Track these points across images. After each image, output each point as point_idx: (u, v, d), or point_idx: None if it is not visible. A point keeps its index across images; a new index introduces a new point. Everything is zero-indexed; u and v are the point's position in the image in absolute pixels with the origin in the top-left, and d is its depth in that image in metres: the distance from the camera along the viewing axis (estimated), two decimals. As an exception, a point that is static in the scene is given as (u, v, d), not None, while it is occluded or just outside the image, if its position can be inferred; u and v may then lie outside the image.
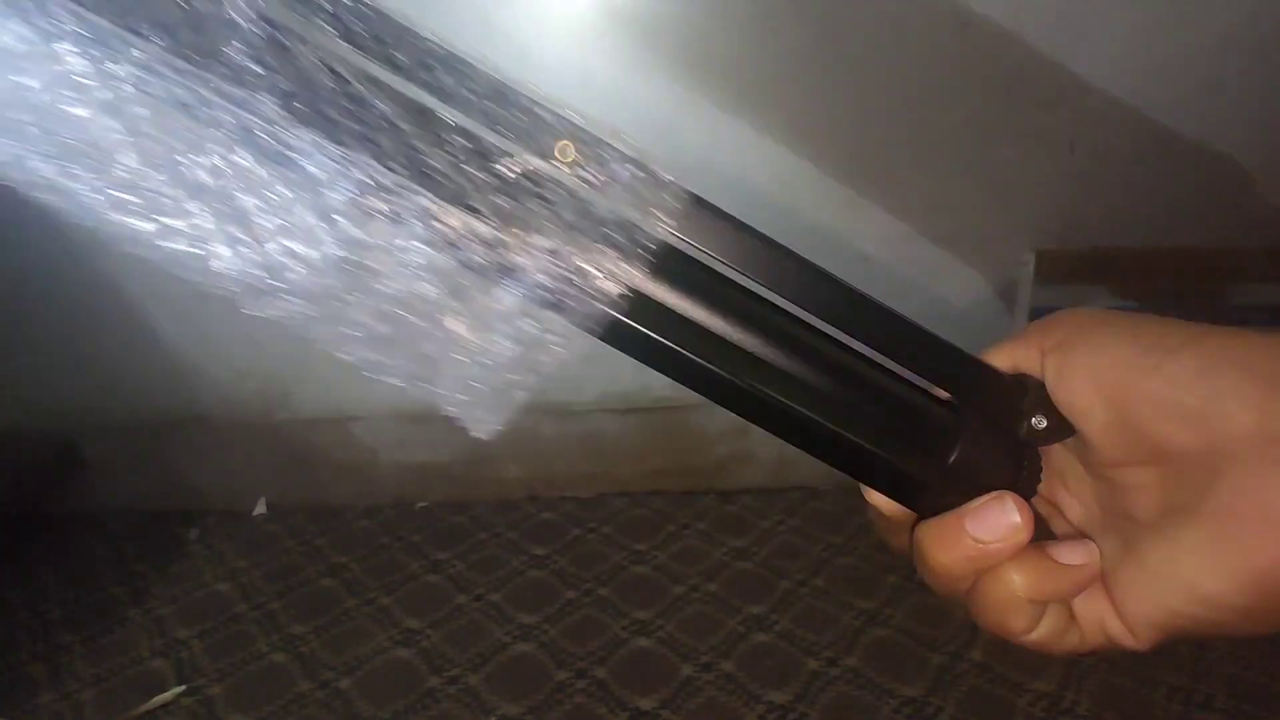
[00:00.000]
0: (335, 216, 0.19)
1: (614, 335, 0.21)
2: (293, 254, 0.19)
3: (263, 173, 0.18)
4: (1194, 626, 0.20)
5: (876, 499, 0.25)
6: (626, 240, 0.20)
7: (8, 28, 0.16)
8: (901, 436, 0.23)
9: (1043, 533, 0.23)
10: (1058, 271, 0.86)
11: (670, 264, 0.21)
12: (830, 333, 0.23)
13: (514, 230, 0.19)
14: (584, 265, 0.20)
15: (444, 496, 1.04)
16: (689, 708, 0.70)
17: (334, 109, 0.18)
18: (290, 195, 0.18)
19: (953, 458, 0.23)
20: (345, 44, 0.18)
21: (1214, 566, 0.19)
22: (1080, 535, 0.24)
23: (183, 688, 0.76)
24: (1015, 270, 0.89)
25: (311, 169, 0.18)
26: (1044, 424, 0.23)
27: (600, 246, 0.20)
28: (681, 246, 0.21)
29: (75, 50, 0.17)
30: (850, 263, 0.88)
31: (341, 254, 0.19)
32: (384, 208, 0.19)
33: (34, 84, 0.17)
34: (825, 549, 0.91)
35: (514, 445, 1.01)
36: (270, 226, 0.18)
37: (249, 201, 0.18)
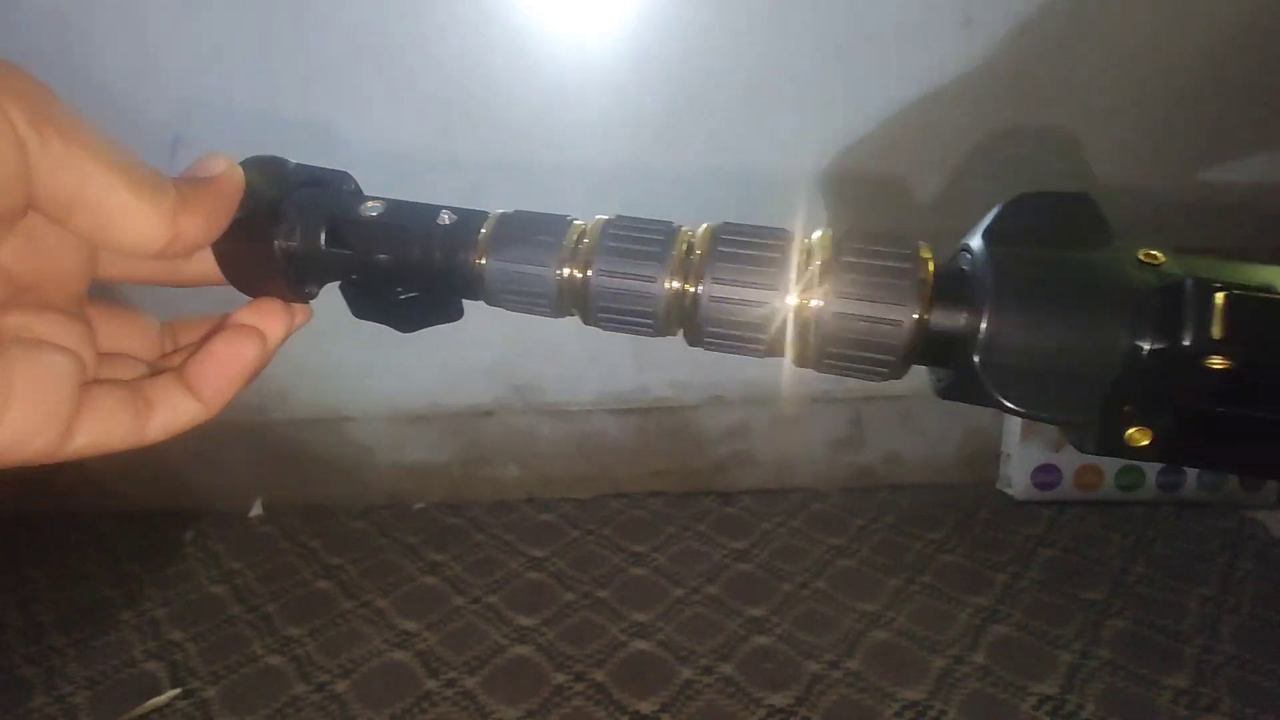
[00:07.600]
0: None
1: None
2: None
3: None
4: None
5: None
6: None
7: None
8: None
9: None
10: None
11: None
12: None
13: None
14: None
15: (440, 498, 1.03)
16: (689, 711, 0.70)
17: None
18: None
19: None
20: None
21: None
22: None
23: (177, 690, 0.75)
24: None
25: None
26: None
27: None
28: None
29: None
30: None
31: None
32: None
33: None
34: (826, 551, 0.90)
35: (511, 446, 1.00)
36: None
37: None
